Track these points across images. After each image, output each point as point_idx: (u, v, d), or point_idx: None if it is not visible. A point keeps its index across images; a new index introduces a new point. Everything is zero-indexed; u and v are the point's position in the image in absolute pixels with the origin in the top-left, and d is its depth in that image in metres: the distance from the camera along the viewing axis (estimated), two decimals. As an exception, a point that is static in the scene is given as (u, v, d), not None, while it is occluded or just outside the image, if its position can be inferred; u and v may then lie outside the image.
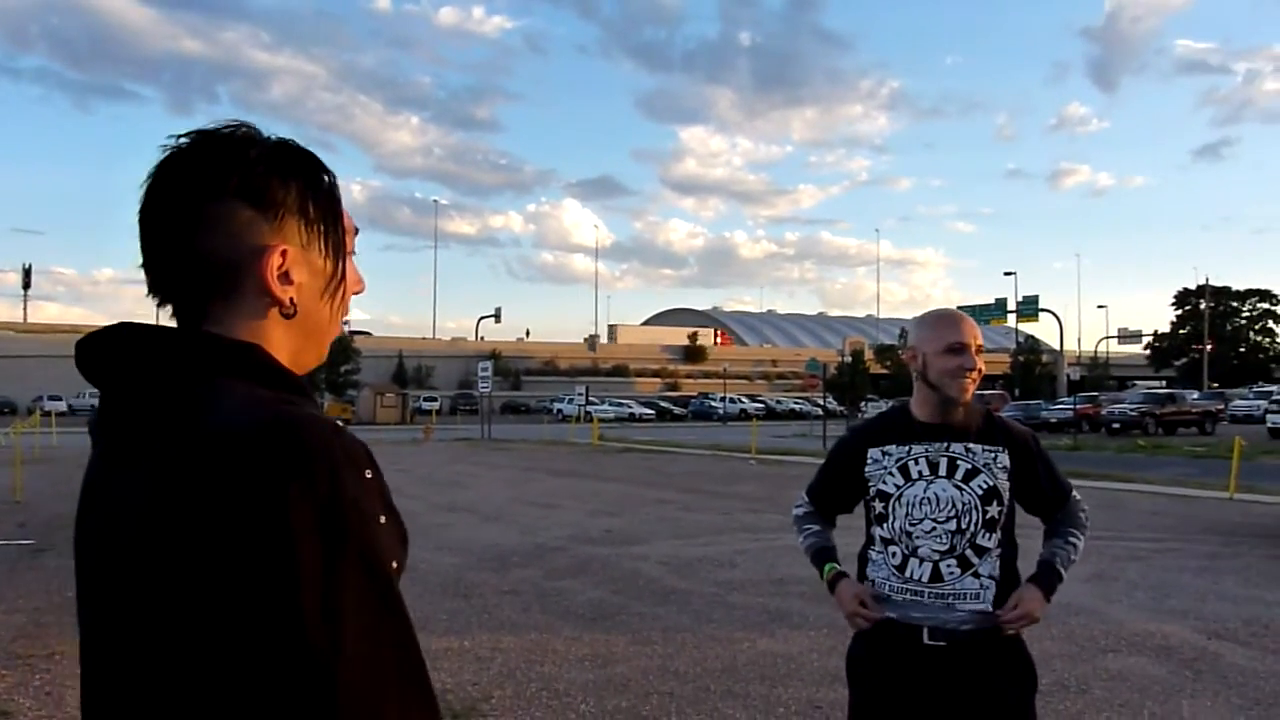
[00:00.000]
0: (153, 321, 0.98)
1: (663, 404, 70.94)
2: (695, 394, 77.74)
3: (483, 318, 78.70)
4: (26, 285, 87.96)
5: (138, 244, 1.00)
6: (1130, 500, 15.10)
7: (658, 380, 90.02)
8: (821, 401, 45.16)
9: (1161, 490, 16.76)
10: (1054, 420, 42.02)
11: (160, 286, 1.00)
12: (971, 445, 2.56)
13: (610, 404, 65.42)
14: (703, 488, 17.58)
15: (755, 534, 11.55)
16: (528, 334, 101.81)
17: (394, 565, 0.90)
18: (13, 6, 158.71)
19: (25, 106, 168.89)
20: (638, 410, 65.72)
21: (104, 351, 0.96)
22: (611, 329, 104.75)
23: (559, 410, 62.23)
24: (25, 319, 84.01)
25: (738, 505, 14.63)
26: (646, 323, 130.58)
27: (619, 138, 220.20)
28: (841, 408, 54.94)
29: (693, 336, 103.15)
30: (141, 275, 1.01)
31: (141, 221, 0.99)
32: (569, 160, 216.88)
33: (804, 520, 2.86)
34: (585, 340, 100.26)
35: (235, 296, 0.98)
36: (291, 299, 1.00)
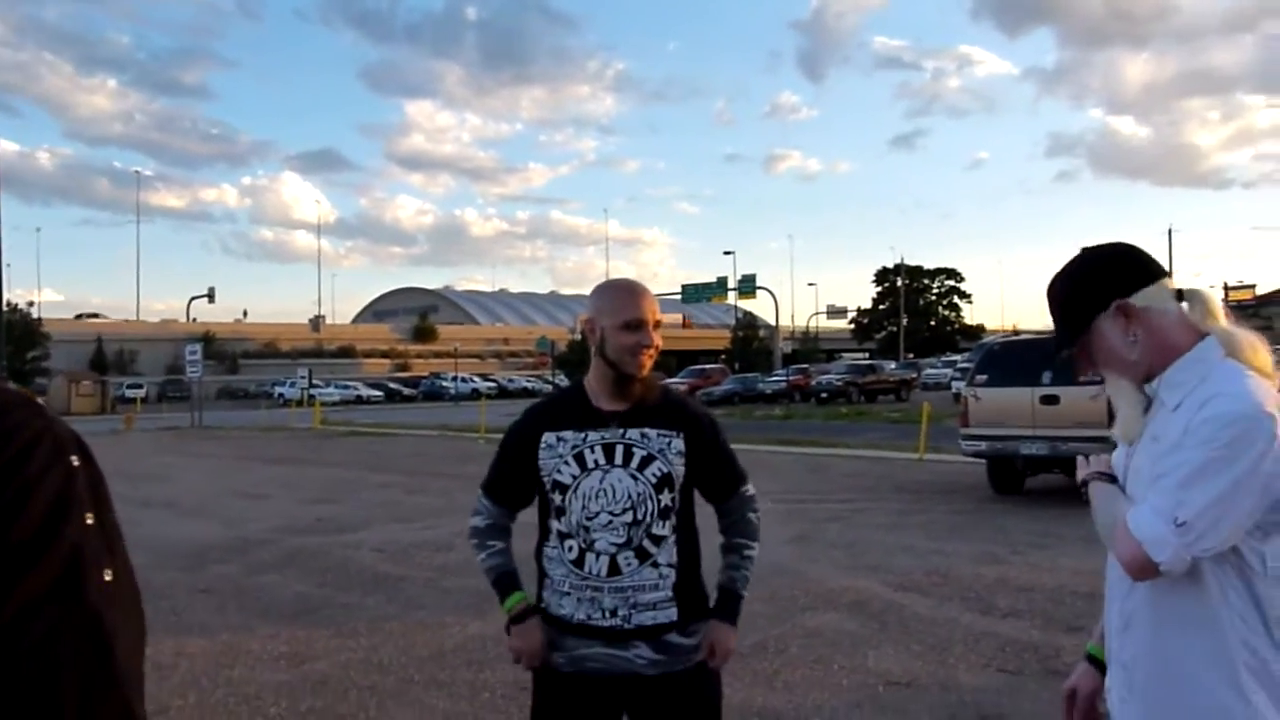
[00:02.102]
0: None
1: (392, 385, 69.18)
2: (426, 374, 76.33)
3: (194, 298, 73.59)
4: None
5: None
6: (833, 464, 16.09)
7: (387, 361, 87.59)
8: (552, 379, 45.51)
9: (861, 454, 17.99)
10: (770, 392, 44.40)
11: None
12: (647, 430, 2.46)
13: (336, 386, 63.07)
14: (428, 469, 17.20)
15: (477, 514, 11.35)
16: (245, 315, 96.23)
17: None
18: None
19: None
20: (365, 392, 63.78)
21: None
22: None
23: (280, 394, 59.27)
24: None
25: (462, 486, 14.34)
26: (375, 302, 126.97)
27: (342, 110, 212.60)
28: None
29: (423, 316, 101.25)
30: None
31: None
32: (288, 132, 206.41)
33: (485, 536, 2.62)
34: (309, 321, 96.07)
35: None
36: None
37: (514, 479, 2.59)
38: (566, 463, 2.45)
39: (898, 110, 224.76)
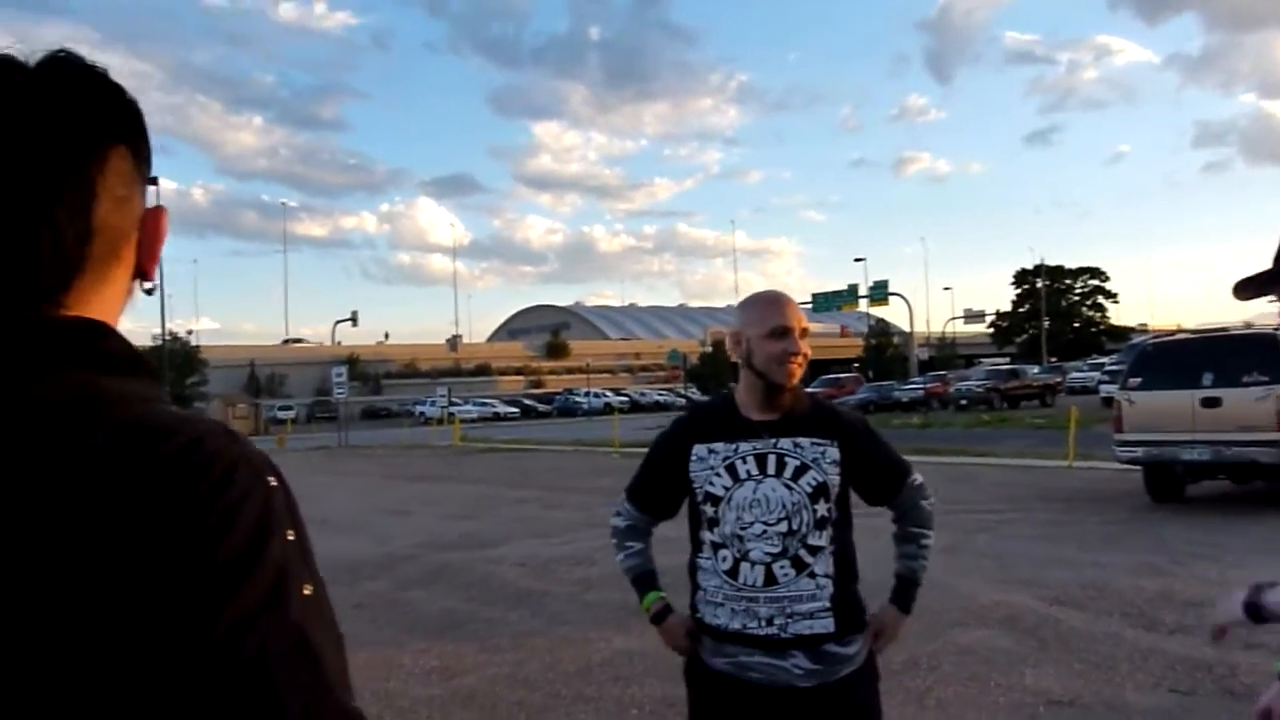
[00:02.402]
0: None
1: (527, 402, 70.40)
2: (560, 390, 77.48)
3: (339, 322, 76.73)
4: None
5: None
6: (978, 473, 15.59)
7: (521, 378, 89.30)
8: (684, 391, 45.56)
9: (1006, 462, 17.40)
10: (906, 400, 43.44)
11: (12, 264, 0.78)
12: (800, 440, 2.43)
13: (474, 404, 64.51)
14: (564, 484, 17.40)
15: (615, 529, 11.42)
16: (387, 337, 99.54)
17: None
18: None
19: None
20: (502, 409, 65.03)
21: None
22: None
23: (421, 413, 61.03)
24: None
25: (599, 500, 14.45)
26: (508, 321, 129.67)
27: (472, 135, 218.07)
28: (706, 397, 55.61)
29: (555, 333, 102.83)
30: None
31: None
32: (422, 159, 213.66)
33: (625, 536, 2.67)
34: (447, 341, 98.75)
35: (108, 273, 0.83)
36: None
37: (660, 488, 2.61)
38: (718, 474, 2.43)
39: (1031, 106, 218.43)
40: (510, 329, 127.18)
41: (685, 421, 2.66)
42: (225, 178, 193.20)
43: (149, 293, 0.90)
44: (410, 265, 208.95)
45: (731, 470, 2.42)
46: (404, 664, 6.09)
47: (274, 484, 0.81)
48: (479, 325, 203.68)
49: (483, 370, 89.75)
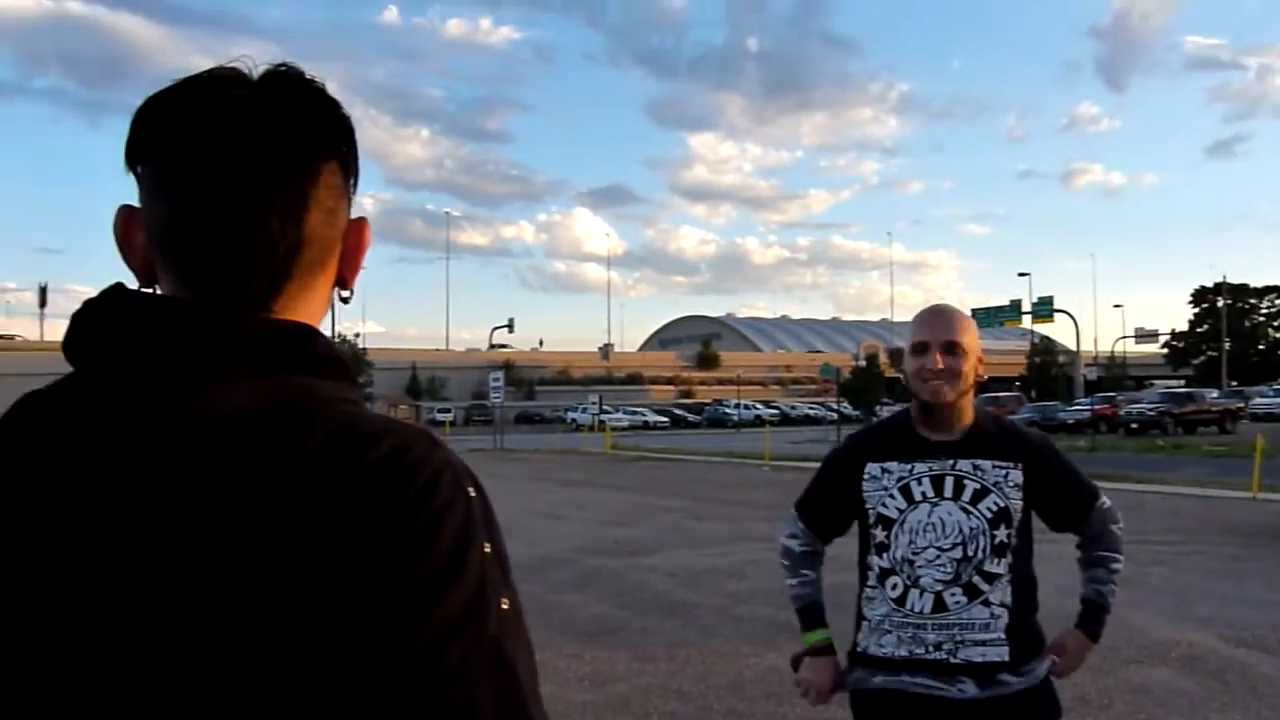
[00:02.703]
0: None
1: (677, 411, 70.63)
2: (710, 401, 77.46)
3: (496, 328, 78.46)
4: (43, 304, 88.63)
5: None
6: (1151, 501, 14.78)
7: (671, 388, 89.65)
8: (836, 406, 44.86)
9: (1182, 491, 16.43)
10: (1071, 421, 41.58)
11: (211, 274, 0.81)
12: (980, 462, 2.32)
13: (624, 412, 65.17)
14: (715, 495, 17.35)
15: (766, 543, 11.28)
16: (541, 344, 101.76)
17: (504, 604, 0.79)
18: (24, 28, 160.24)
19: (38, 125, 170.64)
20: (652, 418, 65.42)
21: (117, 331, 0.78)
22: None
23: (573, 419, 62.07)
24: (41, 336, 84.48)
25: (749, 513, 14.38)
26: (660, 330, 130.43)
27: (629, 146, 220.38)
28: (857, 412, 54.60)
29: (706, 343, 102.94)
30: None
31: (205, 187, 0.80)
32: (580, 169, 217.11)
33: (799, 563, 2.58)
34: (599, 349, 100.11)
35: (312, 281, 0.85)
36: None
37: (830, 506, 2.55)
38: (892, 495, 2.36)
39: (1214, 115, 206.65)
40: (661, 338, 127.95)
41: (859, 438, 2.59)
42: (394, 188, 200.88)
43: (346, 301, 0.92)
44: (566, 274, 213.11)
45: (906, 491, 2.34)
46: (558, 668, 6.17)
47: (473, 493, 0.81)
48: (631, 334, 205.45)
49: (634, 379, 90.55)
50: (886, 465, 2.38)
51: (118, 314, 0.79)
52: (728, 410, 68.93)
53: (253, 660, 0.72)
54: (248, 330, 0.79)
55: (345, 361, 0.84)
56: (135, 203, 0.85)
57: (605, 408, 55.95)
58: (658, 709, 5.36)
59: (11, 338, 78.91)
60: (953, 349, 2.32)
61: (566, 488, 19.62)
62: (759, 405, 71.95)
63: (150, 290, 0.85)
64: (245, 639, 0.72)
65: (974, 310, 60.67)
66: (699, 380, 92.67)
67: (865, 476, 2.40)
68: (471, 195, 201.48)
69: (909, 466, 2.35)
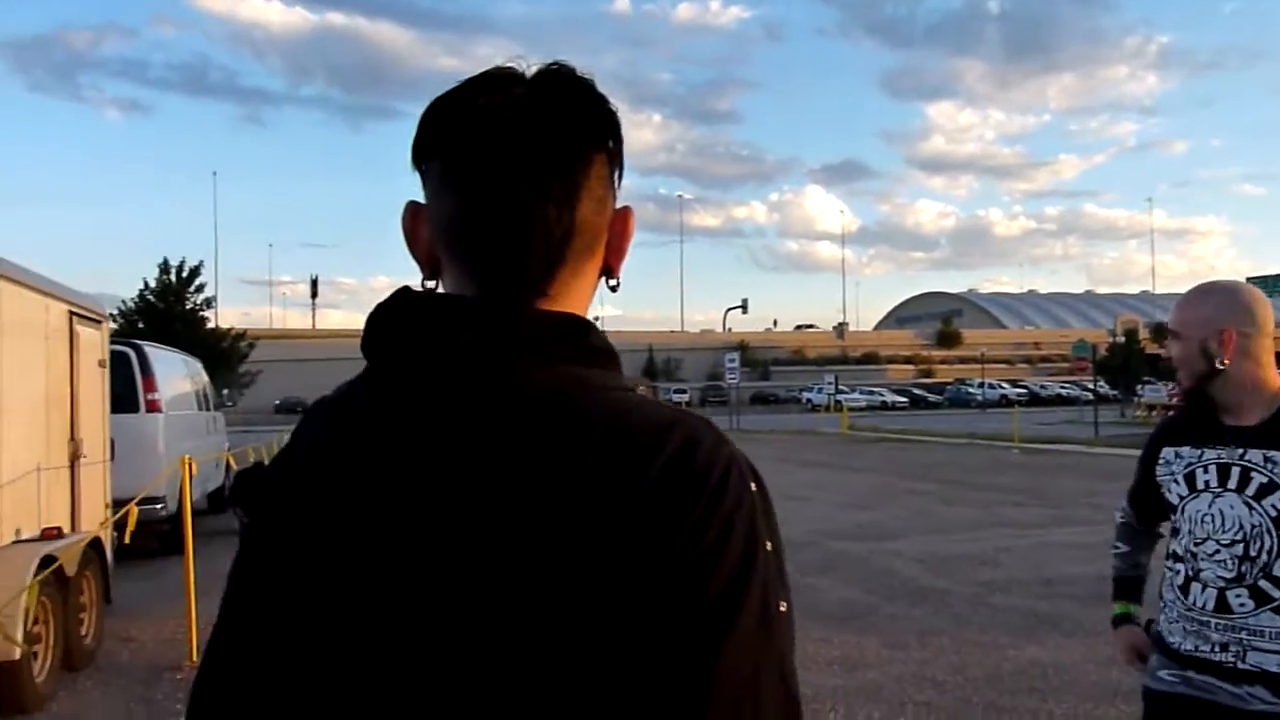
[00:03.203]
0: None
1: (916, 391, 68.66)
2: (950, 380, 74.81)
3: (730, 309, 78.71)
4: (314, 295, 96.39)
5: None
6: None
7: (910, 367, 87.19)
8: (1092, 386, 42.22)
9: None
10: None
11: (492, 258, 0.84)
12: (1274, 454, 2.10)
13: (860, 392, 63.96)
14: (960, 479, 16.73)
15: (1020, 529, 10.79)
16: (775, 324, 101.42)
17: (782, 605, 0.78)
18: (294, 42, 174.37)
19: (306, 130, 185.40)
20: (889, 398, 63.90)
21: (426, 330, 0.82)
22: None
23: (808, 400, 61.50)
24: (314, 325, 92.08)
25: (999, 498, 13.77)
26: (897, 308, 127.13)
27: (862, 120, 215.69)
28: (1114, 391, 51.18)
29: (946, 321, 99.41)
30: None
31: (486, 178, 0.83)
32: (811, 146, 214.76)
33: (1118, 535, 2.59)
34: (834, 328, 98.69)
35: (582, 267, 0.87)
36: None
37: (1140, 487, 2.46)
38: (1176, 481, 2.24)
39: None
40: (898, 316, 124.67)
41: (1167, 421, 2.49)
42: (628, 174, 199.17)
43: (614, 289, 0.93)
44: (798, 253, 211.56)
45: (1190, 479, 2.21)
46: (806, 652, 6.11)
47: (754, 487, 0.79)
48: (866, 313, 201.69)
49: (870, 358, 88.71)
50: (1180, 450, 2.27)
51: (406, 315, 0.83)
52: (971, 390, 66.41)
53: (542, 661, 0.73)
54: (528, 324, 0.81)
55: (615, 351, 0.86)
56: (417, 199, 0.89)
57: (841, 388, 54.97)
58: (911, 698, 5.20)
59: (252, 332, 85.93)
60: (1171, 334, 2.26)
61: (805, 469, 19.45)
62: (1004, 385, 68.89)
63: (433, 286, 0.89)
64: (533, 637, 0.73)
65: (1251, 279, 55.76)
66: (939, 359, 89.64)
67: (1160, 460, 2.32)
68: (702, 177, 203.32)
69: (1199, 452, 2.22)
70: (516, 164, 0.82)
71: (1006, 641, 6.22)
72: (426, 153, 0.87)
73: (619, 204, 0.91)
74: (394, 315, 0.83)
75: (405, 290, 0.85)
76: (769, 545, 0.78)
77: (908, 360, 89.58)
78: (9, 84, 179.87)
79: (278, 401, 58.27)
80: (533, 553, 0.73)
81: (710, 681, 0.71)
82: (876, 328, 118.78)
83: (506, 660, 0.73)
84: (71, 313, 6.77)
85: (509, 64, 0.88)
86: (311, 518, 0.81)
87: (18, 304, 5.81)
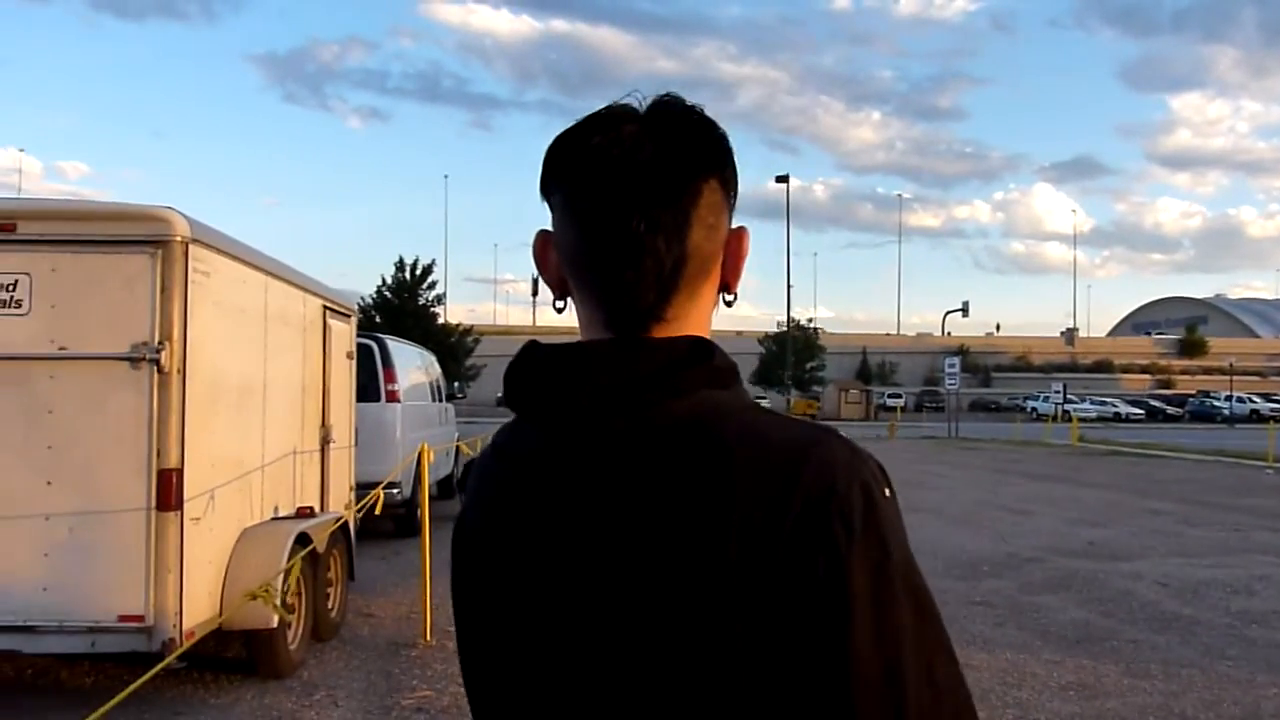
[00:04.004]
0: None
1: (1153, 403, 64.21)
2: (1193, 392, 69.52)
3: (949, 312, 76.05)
4: (534, 293, 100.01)
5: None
6: None
7: (1146, 377, 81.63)
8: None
9: None
10: None
11: (612, 287, 0.90)
12: None
13: (1091, 402, 60.42)
14: (1206, 499, 15.49)
15: (1278, 556, 9.88)
16: (998, 328, 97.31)
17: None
18: (519, 49, 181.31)
19: (531, 134, 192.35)
20: (1123, 409, 60.08)
21: (564, 375, 0.89)
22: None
23: (1033, 408, 58.62)
24: (534, 322, 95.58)
25: (1252, 521, 12.67)
26: (1133, 314, 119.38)
27: (1097, 114, 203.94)
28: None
29: (1189, 328, 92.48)
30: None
31: (599, 212, 0.90)
32: (1040, 143, 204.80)
33: None
34: (1062, 334, 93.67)
35: (698, 290, 0.92)
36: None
37: None
38: None
39: None
40: (1134, 322, 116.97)
41: None
42: (844, 173, 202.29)
43: (729, 304, 0.97)
44: (1024, 254, 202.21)
45: None
46: (1036, 674, 5.81)
47: (889, 495, 0.84)
48: (1098, 318, 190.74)
49: (1102, 366, 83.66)
50: None
51: (547, 366, 0.89)
52: (1216, 403, 61.51)
53: (697, 683, 0.81)
54: (656, 356, 0.87)
55: (736, 367, 0.91)
56: (547, 227, 0.96)
57: (1070, 396, 52.17)
58: (1157, 732, 4.86)
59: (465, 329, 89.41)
60: None
61: (1030, 481, 18.54)
62: (1255, 398, 63.42)
63: (562, 307, 0.97)
64: (696, 659, 0.80)
65: None
66: (1179, 369, 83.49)
67: None
68: (922, 176, 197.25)
69: None
70: (626, 199, 0.88)
71: (1266, 679, 5.70)
72: (550, 186, 0.94)
73: (734, 223, 0.95)
74: (535, 368, 0.90)
75: (534, 344, 0.92)
76: (905, 552, 0.83)
77: (1144, 369, 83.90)
78: (267, 95, 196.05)
79: (499, 395, 60.76)
80: (692, 576, 0.80)
81: (855, 697, 0.78)
82: (1110, 334, 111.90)
83: (674, 687, 0.81)
84: (325, 307, 7.28)
85: (625, 100, 0.93)
86: (505, 557, 0.91)
87: (281, 298, 6.29)
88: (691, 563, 0.81)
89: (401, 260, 39.41)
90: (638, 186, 0.88)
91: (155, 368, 4.76)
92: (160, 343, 4.77)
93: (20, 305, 4.80)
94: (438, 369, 14.04)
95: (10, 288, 4.81)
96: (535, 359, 0.91)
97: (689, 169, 0.90)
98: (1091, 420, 51.03)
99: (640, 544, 0.83)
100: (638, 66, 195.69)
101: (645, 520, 0.83)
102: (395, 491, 9.66)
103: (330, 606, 6.64)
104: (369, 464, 8.91)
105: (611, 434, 0.85)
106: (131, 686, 3.75)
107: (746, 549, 0.80)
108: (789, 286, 51.50)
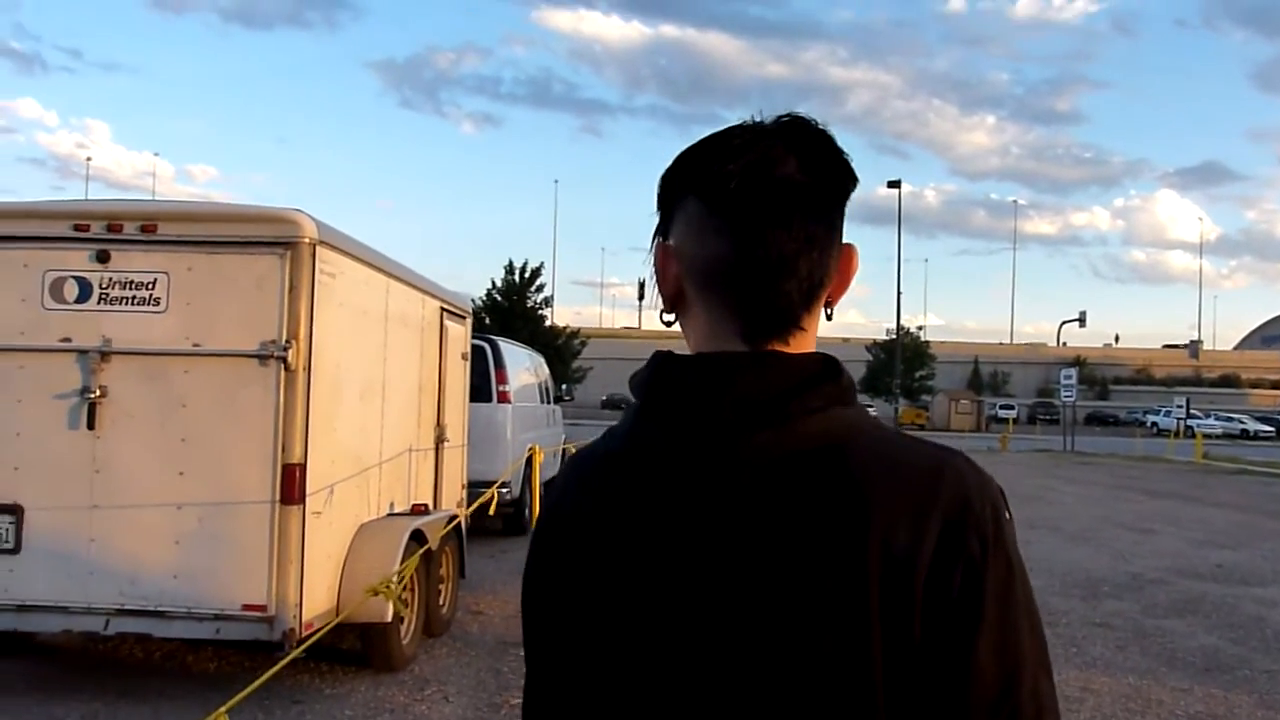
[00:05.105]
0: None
1: (1285, 420, 61.17)
2: (1330, 410, 66.00)
3: (1065, 322, 73.73)
4: (640, 297, 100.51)
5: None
6: None
7: (1277, 393, 77.83)
8: None
9: None
10: None
11: (758, 300, 0.91)
12: None
13: (1216, 418, 57.85)
14: (1346, 523, 14.65)
15: None
16: (1116, 339, 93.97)
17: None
18: (629, 54, 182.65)
19: (640, 139, 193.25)
20: (1251, 426, 57.35)
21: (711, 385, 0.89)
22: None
23: (1153, 423, 56.41)
24: (639, 326, 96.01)
25: (1398, 548, 11.93)
26: (1263, 326, 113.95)
27: (1226, 118, 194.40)
28: None
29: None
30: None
31: (749, 230, 0.90)
32: (1164, 148, 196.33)
33: None
34: (1186, 346, 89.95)
35: (818, 306, 0.94)
36: None
37: None
38: None
39: None
40: (1264, 335, 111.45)
41: None
42: (957, 178, 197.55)
43: (829, 318, 0.98)
44: (1145, 263, 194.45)
45: None
46: (1162, 701, 5.57)
47: (1009, 517, 0.87)
48: (1224, 330, 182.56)
49: (1228, 381, 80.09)
50: None
51: (687, 372, 0.90)
52: (1354, 421, 58.20)
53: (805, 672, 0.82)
54: (793, 371, 0.88)
55: (855, 383, 0.93)
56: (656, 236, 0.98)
57: (1194, 412, 50.04)
58: (1296, 770, 4.60)
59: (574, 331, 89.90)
60: None
61: (1152, 498, 17.82)
62: (1400, 418, 59.80)
63: (671, 320, 0.98)
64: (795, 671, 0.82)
65: None
66: (1315, 385, 79.33)
67: None
68: (1038, 182, 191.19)
69: None
70: (784, 213, 0.89)
71: None
72: (682, 197, 0.94)
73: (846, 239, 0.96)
74: (675, 374, 0.91)
75: (669, 354, 0.93)
76: (1024, 571, 0.86)
77: (1275, 385, 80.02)
78: (384, 100, 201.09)
79: (604, 398, 61.22)
80: (831, 589, 0.82)
81: (970, 706, 0.81)
82: (1237, 347, 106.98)
83: (792, 697, 0.82)
84: (442, 309, 7.42)
85: (750, 120, 0.93)
86: (622, 551, 0.90)
87: (401, 300, 6.43)
88: (831, 576, 0.82)
89: (511, 263, 40.03)
90: (795, 202, 0.89)
91: (282, 365, 4.91)
92: (287, 341, 4.92)
93: (159, 303, 5.01)
94: (546, 371, 14.19)
95: (150, 286, 5.02)
96: (675, 366, 0.91)
97: (837, 187, 0.92)
98: (1217, 437, 48.84)
99: (778, 556, 0.84)
100: (746, 71, 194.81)
101: (784, 534, 0.84)
102: (505, 491, 9.80)
103: (441, 603, 6.75)
104: (479, 463, 9.05)
105: (753, 446, 0.86)
106: (265, 676, 3.87)
107: (886, 565, 0.81)
108: (899, 293, 50.70)
